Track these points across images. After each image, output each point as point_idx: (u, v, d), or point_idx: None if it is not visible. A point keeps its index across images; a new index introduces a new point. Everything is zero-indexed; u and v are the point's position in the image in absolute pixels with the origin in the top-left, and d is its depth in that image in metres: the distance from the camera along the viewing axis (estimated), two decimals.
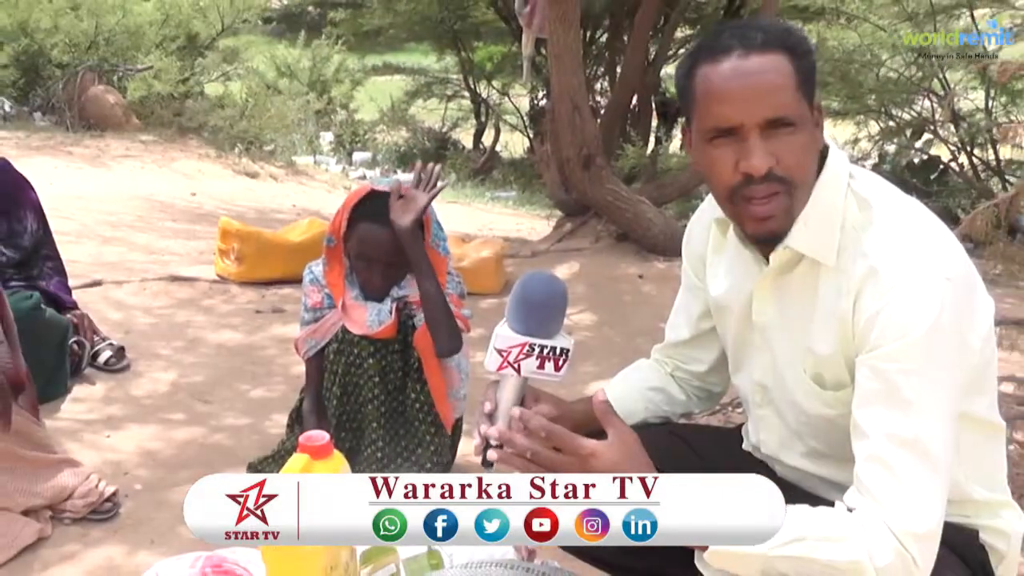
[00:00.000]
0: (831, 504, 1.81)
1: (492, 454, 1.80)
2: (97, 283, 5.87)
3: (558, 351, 1.80)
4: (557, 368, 1.81)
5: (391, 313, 3.40)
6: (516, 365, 1.80)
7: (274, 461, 3.58)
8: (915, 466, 1.70)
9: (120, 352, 4.68)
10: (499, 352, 1.81)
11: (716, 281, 2.13)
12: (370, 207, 3.34)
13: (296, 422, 3.65)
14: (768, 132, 1.76)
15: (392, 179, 3.44)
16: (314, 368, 3.56)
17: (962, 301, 1.75)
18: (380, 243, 3.33)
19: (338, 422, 3.49)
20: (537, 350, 1.79)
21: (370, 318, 3.40)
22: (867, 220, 1.81)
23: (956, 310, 1.73)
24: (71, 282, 4.75)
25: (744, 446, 2.26)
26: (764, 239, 1.88)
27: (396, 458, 3.45)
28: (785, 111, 1.76)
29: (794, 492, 1.97)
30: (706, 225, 2.13)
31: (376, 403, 3.44)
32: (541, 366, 1.80)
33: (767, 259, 1.93)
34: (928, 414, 1.71)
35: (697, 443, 2.26)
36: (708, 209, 2.12)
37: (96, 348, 4.62)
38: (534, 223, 11.01)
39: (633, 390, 2.32)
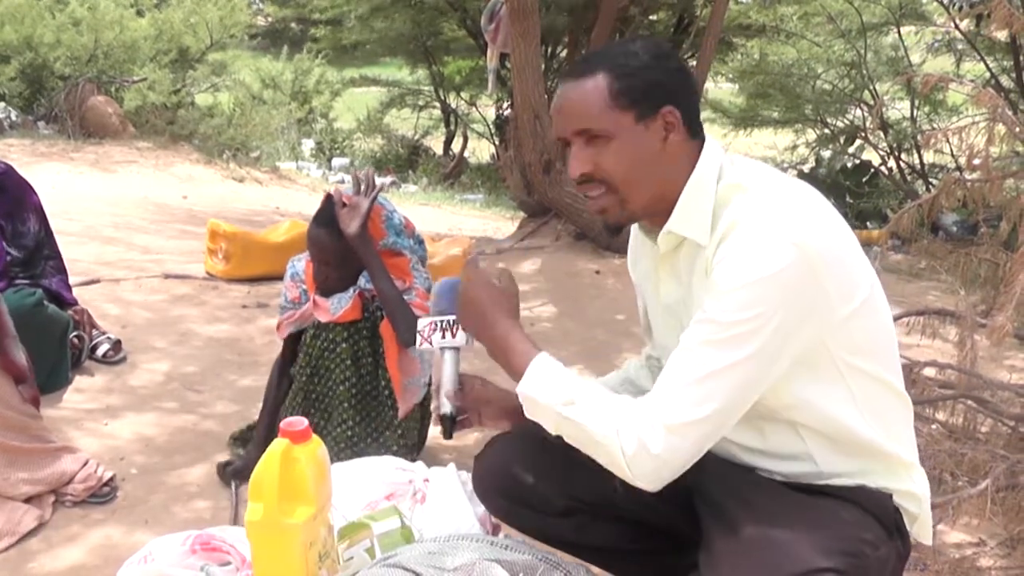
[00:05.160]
0: (751, 471, 1.96)
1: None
2: (95, 281, 5.83)
3: (452, 321, 2.13)
4: (454, 335, 2.13)
5: (350, 299, 3.42)
6: (430, 339, 2.15)
7: (251, 430, 3.72)
8: (683, 370, 1.79)
9: (117, 345, 4.66)
10: (419, 333, 2.17)
11: (638, 275, 2.24)
12: (321, 211, 3.39)
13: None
14: (586, 142, 1.92)
15: (339, 185, 3.49)
16: (289, 344, 3.62)
17: (812, 267, 1.76)
18: (320, 244, 3.36)
19: (305, 398, 3.50)
20: (440, 324, 2.14)
21: (332, 305, 3.42)
22: (738, 198, 1.87)
23: (801, 273, 1.75)
24: (72, 280, 4.72)
25: None
26: (609, 227, 2.02)
27: (366, 438, 3.47)
28: (591, 124, 1.90)
29: (716, 460, 1.99)
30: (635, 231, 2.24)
31: (347, 385, 3.46)
32: (443, 336, 2.13)
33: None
34: (717, 343, 1.77)
35: None
36: None
37: (95, 342, 4.59)
38: (499, 223, 11.03)
39: (611, 381, 2.39)
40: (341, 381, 3.45)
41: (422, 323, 2.16)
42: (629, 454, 1.76)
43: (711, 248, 1.85)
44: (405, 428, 3.49)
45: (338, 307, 3.40)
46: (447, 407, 2.09)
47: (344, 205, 3.32)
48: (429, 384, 3.61)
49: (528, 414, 1.94)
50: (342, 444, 3.40)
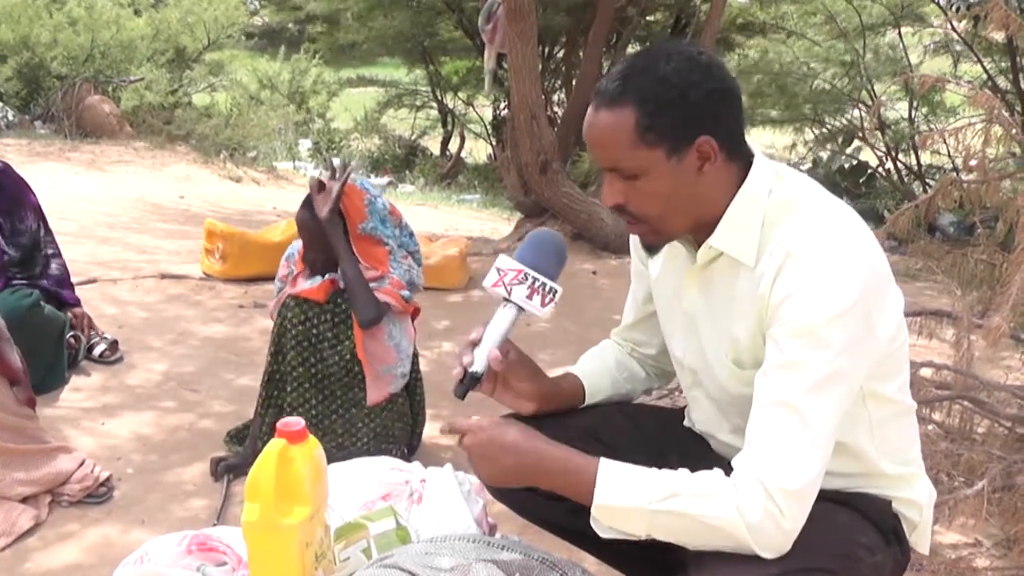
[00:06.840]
0: None
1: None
2: (92, 281, 5.83)
3: (548, 288, 1.90)
4: (543, 303, 1.90)
5: (320, 281, 3.48)
6: (509, 288, 1.89)
7: (246, 427, 3.75)
8: (795, 429, 1.71)
9: (114, 345, 4.66)
10: (498, 270, 1.90)
11: (656, 270, 2.15)
12: (308, 196, 3.53)
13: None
14: (619, 176, 1.85)
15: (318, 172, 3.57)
16: None
17: (874, 295, 1.76)
18: (302, 226, 3.52)
19: (269, 378, 3.55)
20: (530, 280, 1.89)
21: (303, 282, 3.52)
22: (790, 219, 1.82)
23: (867, 302, 1.74)
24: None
25: (685, 423, 2.27)
26: (647, 247, 1.98)
27: (331, 415, 3.52)
28: (619, 163, 1.83)
29: (716, 459, 1.99)
30: None
31: (306, 367, 3.48)
32: (530, 296, 1.89)
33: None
34: (818, 387, 1.71)
35: (642, 420, 2.28)
36: None
37: (92, 342, 4.59)
38: (496, 223, 11.03)
39: (602, 368, 2.33)
40: (300, 363, 3.47)
41: (507, 263, 1.92)
42: (756, 525, 1.68)
43: (766, 278, 1.79)
44: (374, 413, 3.53)
45: (308, 284, 3.50)
46: (482, 364, 1.91)
47: (323, 190, 3.47)
48: (414, 376, 3.64)
49: (606, 524, 1.80)
50: (308, 422, 3.40)
